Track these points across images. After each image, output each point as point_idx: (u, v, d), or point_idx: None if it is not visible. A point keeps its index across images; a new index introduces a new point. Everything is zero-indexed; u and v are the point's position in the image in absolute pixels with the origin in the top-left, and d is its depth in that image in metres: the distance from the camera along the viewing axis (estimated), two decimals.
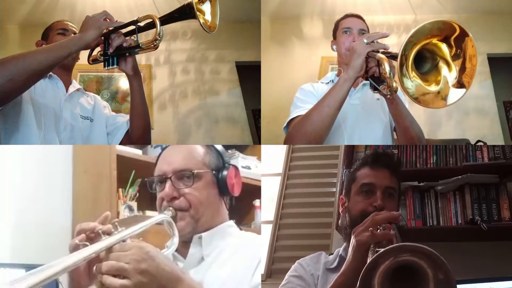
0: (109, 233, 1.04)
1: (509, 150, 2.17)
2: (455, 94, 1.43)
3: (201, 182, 1.30)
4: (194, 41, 3.48)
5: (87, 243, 1.01)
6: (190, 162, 1.31)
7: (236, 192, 1.36)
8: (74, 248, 1.02)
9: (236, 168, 1.38)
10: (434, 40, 1.39)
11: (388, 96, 1.51)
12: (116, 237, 1.03)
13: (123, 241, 1.03)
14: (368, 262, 1.00)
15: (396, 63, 1.40)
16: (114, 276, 0.97)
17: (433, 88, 1.43)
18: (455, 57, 1.41)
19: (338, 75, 1.94)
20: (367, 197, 1.37)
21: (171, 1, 2.73)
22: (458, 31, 1.37)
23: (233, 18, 3.24)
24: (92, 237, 1.05)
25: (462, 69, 1.41)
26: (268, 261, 2.69)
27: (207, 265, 1.26)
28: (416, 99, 1.40)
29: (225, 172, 1.34)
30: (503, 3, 3.32)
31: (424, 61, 1.43)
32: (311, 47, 3.45)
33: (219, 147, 1.39)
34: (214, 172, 1.33)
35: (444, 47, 1.41)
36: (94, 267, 0.99)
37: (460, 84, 1.42)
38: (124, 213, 2.25)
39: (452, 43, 1.39)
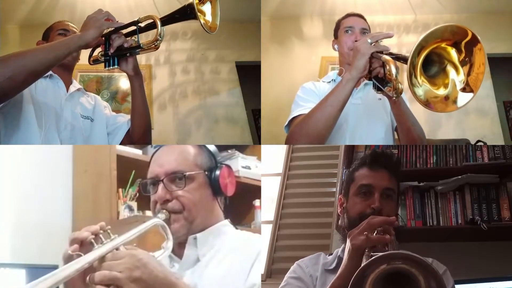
0: (101, 242, 1.03)
1: (509, 150, 2.18)
2: (463, 98, 1.41)
3: (194, 183, 1.30)
4: (194, 41, 3.48)
5: (81, 254, 1.01)
6: (182, 164, 1.30)
7: (230, 192, 1.36)
8: (68, 258, 1.02)
9: (229, 167, 1.37)
10: (443, 44, 1.38)
11: (394, 98, 1.50)
12: (109, 245, 1.02)
13: (116, 249, 1.03)
14: (358, 269, 1.00)
15: (404, 66, 1.39)
16: (108, 286, 0.97)
17: (442, 91, 1.41)
18: (463, 62, 1.39)
19: (340, 74, 1.93)
20: (365, 198, 1.36)
21: (171, 1, 2.73)
22: (469, 37, 1.35)
23: (233, 18, 3.24)
24: (86, 246, 1.04)
25: (470, 74, 1.40)
26: (268, 261, 2.68)
27: (203, 265, 1.26)
28: (426, 104, 1.39)
29: (217, 172, 1.33)
30: (503, 3, 3.32)
31: (431, 64, 1.42)
32: (311, 47, 3.45)
33: (211, 147, 1.38)
34: (206, 172, 1.33)
35: (453, 51, 1.39)
36: (87, 278, 0.99)
37: (467, 88, 1.40)
38: (124, 213, 2.25)
39: (462, 48, 1.38)
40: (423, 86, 1.39)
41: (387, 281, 0.99)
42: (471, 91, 1.41)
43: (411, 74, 1.35)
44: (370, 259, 0.99)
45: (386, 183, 1.37)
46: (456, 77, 1.41)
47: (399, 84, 1.44)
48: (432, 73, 1.43)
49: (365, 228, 1.16)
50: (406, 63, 1.36)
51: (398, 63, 1.48)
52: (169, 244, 1.21)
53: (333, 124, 1.61)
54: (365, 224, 1.18)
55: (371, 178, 1.38)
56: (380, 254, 1.00)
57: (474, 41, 1.36)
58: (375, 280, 0.98)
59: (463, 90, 1.41)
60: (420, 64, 1.36)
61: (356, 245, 1.14)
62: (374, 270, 0.98)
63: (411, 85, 1.36)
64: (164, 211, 1.26)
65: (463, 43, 1.37)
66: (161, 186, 1.28)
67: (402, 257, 0.98)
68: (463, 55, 1.39)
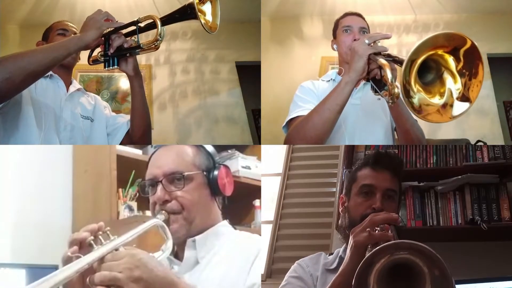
0: (101, 243, 1.03)
1: (509, 150, 2.18)
2: (459, 107, 1.38)
3: (192, 184, 1.30)
4: (194, 41, 3.48)
5: (80, 255, 1.00)
6: (181, 164, 1.30)
7: (228, 191, 1.35)
8: (67, 260, 1.01)
9: (227, 167, 1.37)
10: (440, 51, 1.33)
11: (390, 103, 1.49)
12: (108, 246, 1.02)
13: (116, 249, 1.03)
14: (363, 260, 1.00)
15: (399, 72, 1.36)
16: (108, 286, 0.97)
17: (437, 100, 1.37)
18: (461, 72, 1.35)
19: (339, 74, 1.93)
20: (366, 198, 1.36)
21: (171, 1, 2.73)
22: (468, 45, 1.31)
23: (233, 18, 3.24)
24: (86, 247, 1.04)
25: (467, 85, 1.36)
26: (268, 261, 2.69)
27: (202, 267, 1.26)
28: (419, 112, 1.35)
29: (215, 172, 1.33)
30: (503, 3, 3.31)
31: (428, 71, 1.38)
32: (311, 47, 3.45)
33: (209, 147, 1.38)
34: (205, 173, 1.32)
35: (450, 59, 1.35)
36: (87, 279, 0.98)
37: (464, 98, 1.37)
38: (124, 213, 2.25)
39: (461, 56, 1.33)
40: (418, 95, 1.34)
41: (392, 272, 0.99)
42: (468, 100, 1.37)
43: (406, 90, 1.31)
44: (374, 249, 1.00)
45: (388, 184, 1.37)
46: (453, 85, 1.37)
47: (395, 89, 1.40)
48: (428, 80, 1.39)
49: (368, 225, 1.16)
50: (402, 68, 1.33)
51: (395, 65, 1.46)
52: (169, 244, 1.20)
53: (331, 128, 1.60)
54: (367, 221, 1.17)
55: (373, 179, 1.38)
56: (385, 243, 1.00)
57: (474, 51, 1.31)
58: (379, 271, 0.98)
59: (459, 99, 1.37)
60: (415, 72, 1.31)
61: (359, 241, 1.14)
62: (379, 260, 0.98)
63: (406, 97, 1.31)
64: (163, 211, 1.25)
65: (461, 51, 1.32)
66: (160, 187, 1.28)
67: (406, 246, 0.98)
68: (461, 64, 1.34)
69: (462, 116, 1.41)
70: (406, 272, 1.00)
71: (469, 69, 1.34)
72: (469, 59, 1.33)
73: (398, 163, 1.45)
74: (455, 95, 1.38)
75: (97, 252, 1.01)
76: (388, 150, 1.72)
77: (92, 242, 1.03)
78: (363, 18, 1.97)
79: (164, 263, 1.20)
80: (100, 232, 1.05)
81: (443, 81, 1.39)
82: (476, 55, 1.32)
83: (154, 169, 1.31)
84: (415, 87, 1.34)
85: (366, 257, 1.00)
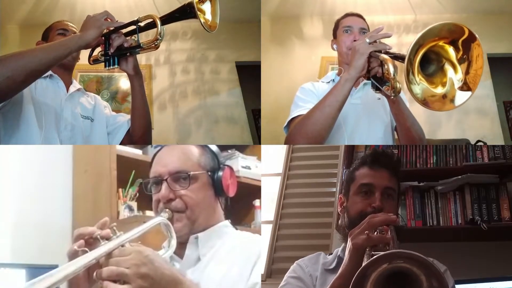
0: (107, 238, 1.04)
1: (509, 150, 2.18)
2: (461, 96, 1.41)
3: (197, 183, 1.30)
4: (194, 41, 3.49)
5: (86, 249, 1.01)
6: (186, 164, 1.31)
7: (231, 192, 1.36)
8: (73, 254, 1.02)
9: (231, 168, 1.38)
10: (441, 43, 1.37)
11: (392, 97, 1.50)
12: (115, 242, 1.03)
13: (122, 245, 1.03)
14: (360, 268, 0.99)
15: (402, 66, 1.39)
16: (115, 281, 0.98)
17: (439, 90, 1.41)
18: (461, 60, 1.39)
19: (338, 74, 1.93)
20: (365, 197, 1.36)
21: (171, 1, 2.73)
22: (466, 34, 1.35)
23: (233, 18, 3.24)
24: (91, 242, 1.04)
25: (467, 73, 1.39)
26: (268, 261, 2.68)
27: (204, 265, 1.27)
28: (423, 103, 1.38)
29: (220, 173, 1.34)
30: (503, 3, 3.32)
31: (429, 63, 1.41)
32: (311, 47, 3.46)
33: (214, 147, 1.39)
34: (209, 173, 1.33)
35: (450, 50, 1.39)
36: (94, 273, 0.99)
37: (465, 87, 1.40)
38: (124, 213, 2.25)
39: (460, 46, 1.37)
40: (421, 85, 1.38)
41: (389, 280, 0.98)
42: (469, 89, 1.40)
43: (409, 72, 1.35)
44: (371, 259, 0.99)
45: (386, 182, 1.37)
46: (454, 75, 1.41)
47: (397, 83, 1.44)
48: (430, 72, 1.42)
49: (366, 227, 1.16)
50: (404, 62, 1.36)
51: (396, 63, 1.48)
52: (173, 242, 1.21)
53: (332, 124, 1.61)
54: (366, 223, 1.17)
55: (372, 178, 1.38)
56: (382, 253, 0.99)
57: (471, 38, 1.35)
58: (376, 279, 0.98)
59: (461, 88, 1.40)
60: (417, 62, 1.36)
61: (357, 244, 1.13)
62: (376, 269, 0.98)
63: (408, 82, 1.35)
64: (167, 210, 1.26)
65: (460, 41, 1.37)
66: (164, 185, 1.28)
67: (403, 256, 0.97)
68: (460, 53, 1.38)
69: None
70: (404, 283, 0.99)
71: (468, 57, 1.38)
72: (468, 48, 1.37)
73: (396, 161, 1.46)
74: (456, 85, 1.40)
75: (104, 247, 1.01)
76: (385, 149, 1.73)
77: (98, 236, 1.04)
78: (364, 19, 1.98)
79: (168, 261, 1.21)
80: (107, 229, 1.06)
81: (444, 72, 1.42)
82: (475, 42, 1.35)
83: (159, 167, 1.31)
84: (418, 77, 1.37)
85: (363, 265, 1.00)
